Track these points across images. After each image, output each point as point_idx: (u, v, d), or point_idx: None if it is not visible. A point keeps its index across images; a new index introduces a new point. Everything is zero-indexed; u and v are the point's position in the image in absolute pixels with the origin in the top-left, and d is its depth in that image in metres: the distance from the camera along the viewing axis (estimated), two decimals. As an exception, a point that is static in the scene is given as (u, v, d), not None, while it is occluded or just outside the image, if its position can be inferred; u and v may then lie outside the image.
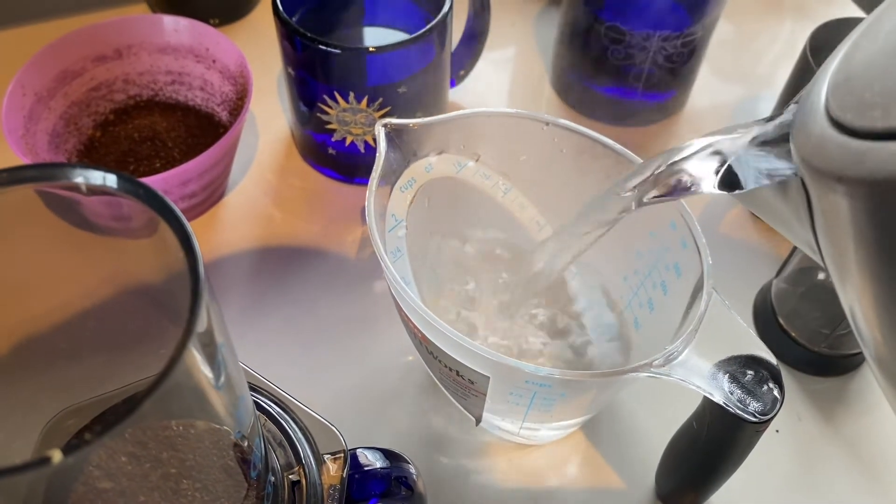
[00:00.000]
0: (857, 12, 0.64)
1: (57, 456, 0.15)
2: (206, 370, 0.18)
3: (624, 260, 0.39)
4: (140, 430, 0.20)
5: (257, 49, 0.55)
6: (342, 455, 0.29)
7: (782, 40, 0.62)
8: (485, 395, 0.34)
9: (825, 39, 0.45)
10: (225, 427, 0.21)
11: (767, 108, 0.54)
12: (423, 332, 0.33)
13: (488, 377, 0.32)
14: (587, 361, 0.39)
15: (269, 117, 0.54)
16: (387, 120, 0.37)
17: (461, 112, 0.38)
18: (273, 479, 0.26)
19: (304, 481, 0.28)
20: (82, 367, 0.28)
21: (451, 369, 0.34)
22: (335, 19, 0.51)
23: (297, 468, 0.28)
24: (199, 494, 0.23)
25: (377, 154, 0.36)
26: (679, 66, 0.52)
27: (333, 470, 0.29)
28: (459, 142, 0.39)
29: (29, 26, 0.58)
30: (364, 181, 0.51)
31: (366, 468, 0.30)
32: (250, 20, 0.59)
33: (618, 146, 0.37)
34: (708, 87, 0.57)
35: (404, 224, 0.37)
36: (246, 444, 0.23)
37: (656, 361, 0.31)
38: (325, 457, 0.29)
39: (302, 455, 0.28)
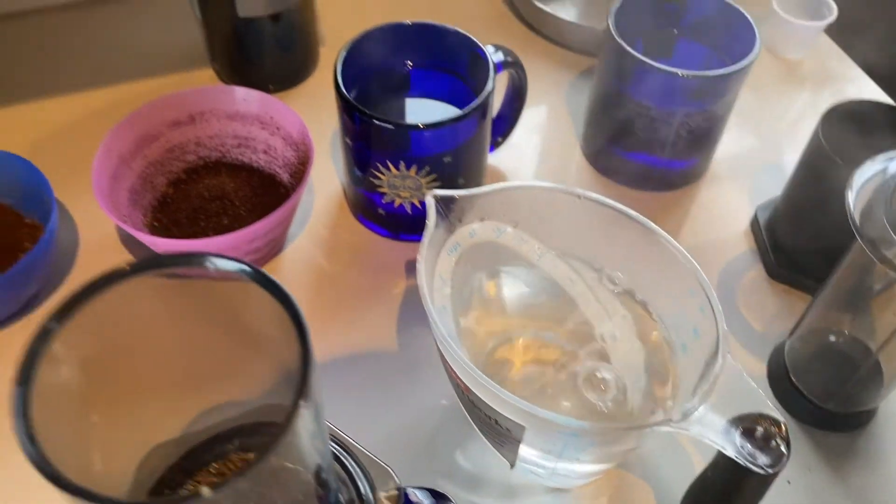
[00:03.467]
0: (868, 87, 0.67)
1: (207, 492, 0.19)
2: (310, 424, 0.22)
3: (649, 320, 0.42)
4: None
5: (311, 113, 0.60)
6: (396, 493, 0.32)
7: (799, 109, 0.65)
8: (520, 442, 0.38)
9: (836, 120, 0.49)
10: (310, 467, 0.25)
11: (782, 175, 0.57)
12: (466, 383, 0.37)
13: (524, 427, 0.36)
14: (615, 412, 0.42)
15: (324, 176, 0.58)
16: (436, 192, 0.41)
17: (502, 185, 0.42)
18: (339, 512, 0.29)
19: (363, 516, 0.31)
20: (172, 405, 0.32)
21: (489, 417, 0.38)
22: (386, 91, 0.55)
23: (357, 504, 0.31)
24: None
25: (427, 223, 0.40)
26: (701, 137, 0.55)
27: (387, 509, 0.32)
28: (500, 210, 0.43)
29: (105, 89, 0.63)
30: (409, 238, 0.55)
31: (415, 506, 0.33)
32: (304, 87, 0.64)
33: (643, 219, 0.40)
34: (728, 152, 0.61)
35: (449, 283, 0.41)
36: (324, 481, 0.26)
37: (675, 417, 0.35)
38: (381, 494, 0.32)
39: (362, 492, 0.31)
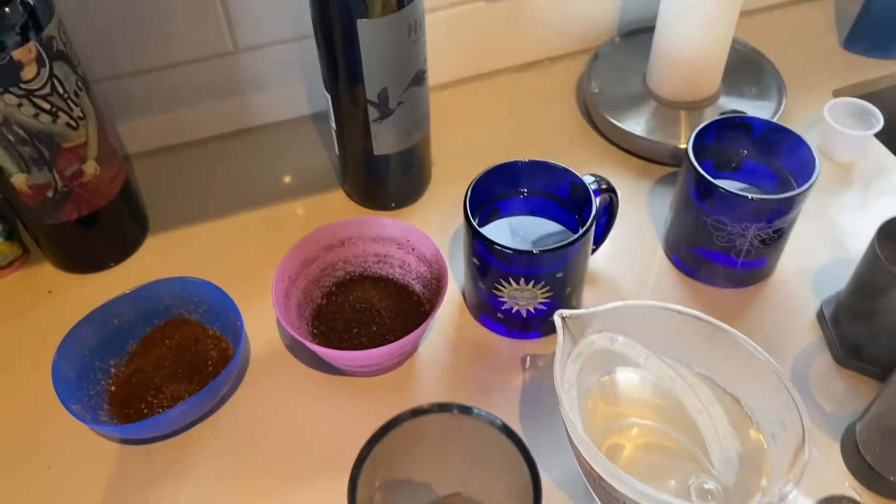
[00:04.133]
0: (917, 181, 0.76)
1: None
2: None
3: (742, 414, 0.51)
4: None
5: (426, 225, 0.70)
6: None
7: (854, 209, 0.74)
8: (644, 520, 0.46)
9: (891, 231, 0.57)
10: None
11: (843, 271, 0.65)
12: (600, 472, 0.46)
13: (647, 506, 0.45)
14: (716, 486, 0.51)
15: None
16: (563, 311, 0.51)
17: (615, 305, 0.51)
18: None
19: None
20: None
21: (617, 500, 0.46)
22: (498, 213, 0.65)
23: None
24: None
25: (558, 338, 0.50)
26: (770, 244, 0.64)
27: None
28: (613, 323, 0.52)
29: (259, 210, 0.75)
30: (522, 336, 0.64)
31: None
32: (421, 203, 0.75)
33: (733, 331, 0.50)
34: (794, 250, 0.69)
35: (576, 387, 0.51)
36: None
37: (774, 500, 0.43)
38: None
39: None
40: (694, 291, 0.67)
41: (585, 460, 0.47)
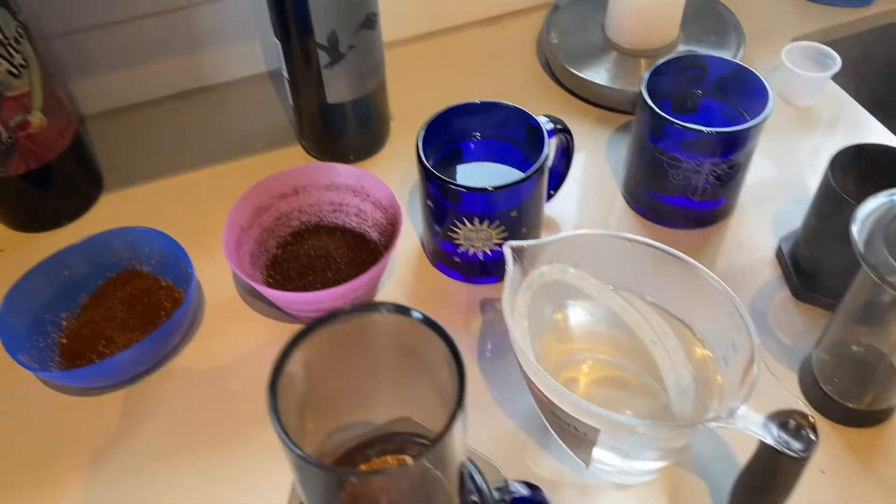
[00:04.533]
0: (875, 128, 0.75)
1: (410, 461, 0.27)
2: (461, 427, 0.31)
3: (694, 340, 0.51)
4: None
5: (387, 177, 0.69)
6: (504, 485, 0.41)
7: (812, 150, 0.74)
8: (594, 443, 0.46)
9: (843, 162, 0.57)
10: (458, 460, 0.34)
11: (800, 209, 0.65)
12: (550, 397, 0.45)
13: (599, 429, 0.44)
14: (670, 414, 0.50)
15: (403, 230, 0.67)
16: (512, 242, 0.50)
17: (564, 234, 0.51)
18: (467, 499, 0.38)
19: (480, 502, 0.40)
20: (349, 419, 0.40)
21: (568, 424, 0.46)
22: (455, 157, 0.65)
23: (476, 493, 0.40)
24: None
25: (507, 268, 0.49)
26: (728, 181, 0.64)
27: (498, 495, 0.41)
28: (564, 254, 0.51)
29: (212, 168, 0.74)
30: (480, 281, 0.64)
31: (516, 495, 0.42)
32: (380, 156, 0.74)
33: (684, 256, 0.49)
34: (752, 191, 0.69)
35: (526, 317, 0.50)
36: (462, 473, 0.35)
37: (723, 415, 0.43)
38: (492, 486, 0.41)
39: (479, 484, 0.40)
40: (653, 234, 0.67)
41: (537, 388, 0.46)
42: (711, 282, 0.48)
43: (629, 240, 0.50)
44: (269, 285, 0.61)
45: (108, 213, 0.70)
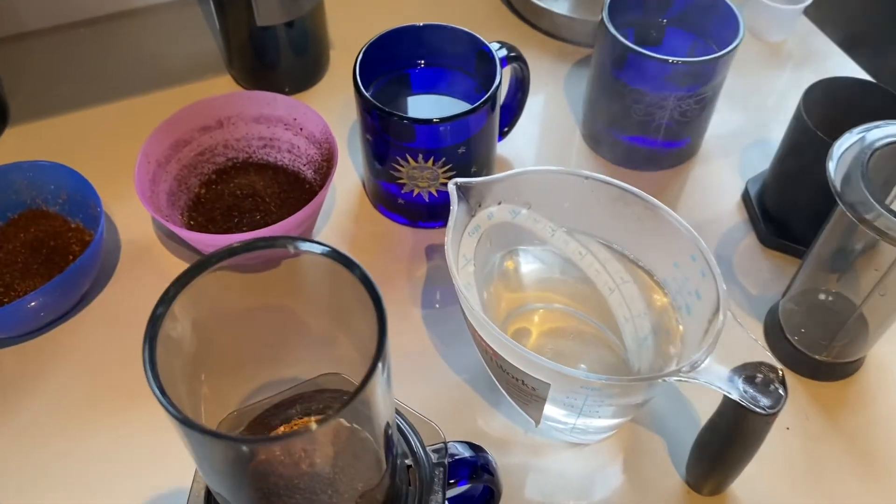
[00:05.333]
0: (846, 64, 0.72)
1: (314, 426, 0.23)
2: (383, 381, 0.26)
3: (654, 287, 0.47)
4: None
5: (325, 113, 0.63)
6: (442, 446, 0.36)
7: (783, 88, 0.70)
8: (545, 399, 0.42)
9: (816, 97, 0.53)
10: (382, 420, 0.29)
11: (769, 150, 0.61)
12: (495, 348, 0.41)
13: (549, 384, 0.40)
14: (627, 369, 0.46)
15: (343, 172, 0.62)
16: (457, 180, 0.45)
17: (515, 171, 0.46)
18: (398, 462, 0.33)
19: (415, 466, 0.35)
20: (254, 374, 0.35)
21: (516, 379, 0.42)
22: (398, 88, 0.59)
23: (409, 456, 0.35)
24: (353, 472, 0.30)
25: (451, 207, 0.44)
26: (693, 119, 0.59)
27: (435, 458, 0.36)
28: (514, 194, 0.47)
29: (131, 99, 0.67)
30: (427, 225, 0.59)
31: (457, 457, 0.37)
32: (318, 89, 0.68)
33: (645, 195, 0.44)
34: (718, 131, 0.65)
35: (472, 262, 0.45)
36: (389, 436, 0.30)
37: (684, 368, 0.39)
38: (428, 448, 0.36)
39: (413, 445, 0.35)
40: (612, 175, 0.62)
41: (482, 340, 0.42)
42: (674, 223, 0.44)
43: (586, 177, 0.46)
44: (191, 227, 0.55)
45: (14, 148, 0.63)
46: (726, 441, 0.41)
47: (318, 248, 0.27)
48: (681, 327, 0.45)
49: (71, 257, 0.54)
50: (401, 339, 0.52)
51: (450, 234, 0.43)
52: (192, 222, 0.55)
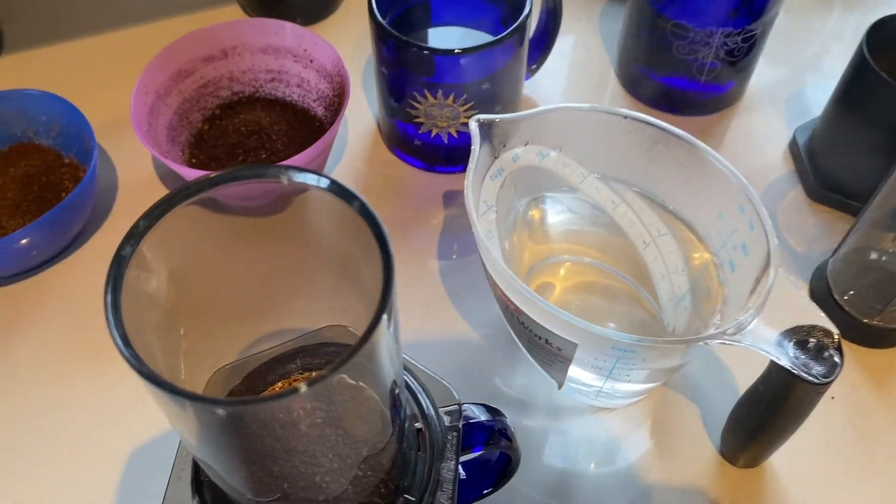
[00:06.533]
0: (910, 3, 0.66)
1: (303, 388, 0.19)
2: (389, 337, 0.23)
3: (694, 240, 0.42)
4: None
5: (339, 46, 0.59)
6: (456, 408, 0.33)
7: (831, 32, 0.64)
8: (570, 360, 0.38)
9: (882, 34, 0.48)
10: (387, 379, 0.26)
11: (820, 97, 0.56)
12: (517, 304, 0.37)
13: (576, 344, 0.36)
14: (661, 328, 0.43)
15: (357, 109, 0.58)
16: (480, 116, 0.41)
17: (546, 108, 0.42)
18: (407, 426, 0.30)
19: (425, 430, 0.32)
20: (243, 324, 0.32)
21: (539, 337, 0.38)
22: (418, 19, 0.54)
23: (419, 419, 0.32)
24: (358, 434, 0.27)
25: (472, 147, 0.40)
26: (739, 60, 0.54)
27: (448, 421, 0.33)
28: (543, 134, 0.42)
29: (135, 27, 0.63)
30: (444, 170, 0.55)
31: (472, 420, 0.34)
32: (332, 20, 0.64)
33: (690, 137, 0.40)
34: (764, 77, 0.60)
35: (494, 209, 0.41)
36: (397, 396, 0.27)
37: (729, 330, 0.35)
38: (441, 409, 0.33)
39: (424, 407, 0.32)
40: (648, 121, 0.58)
41: (503, 293, 0.38)
42: (722, 170, 0.39)
43: (624, 116, 0.41)
44: (192, 165, 0.51)
45: (6, 78, 0.60)
46: (770, 411, 0.37)
47: (313, 180, 0.23)
48: (723, 286, 0.41)
49: (64, 194, 0.51)
50: (413, 291, 0.49)
51: (470, 177, 0.39)
52: (193, 160, 0.52)
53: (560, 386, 0.42)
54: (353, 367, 0.21)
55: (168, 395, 0.19)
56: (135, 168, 0.54)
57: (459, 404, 0.33)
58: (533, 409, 0.44)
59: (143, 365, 0.19)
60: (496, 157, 0.41)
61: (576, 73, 0.61)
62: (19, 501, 0.41)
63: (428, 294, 0.49)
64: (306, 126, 0.54)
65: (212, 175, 0.23)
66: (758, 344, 0.35)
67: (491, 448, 0.34)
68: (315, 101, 0.54)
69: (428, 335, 0.47)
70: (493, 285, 0.39)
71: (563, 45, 0.62)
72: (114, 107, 0.54)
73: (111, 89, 0.56)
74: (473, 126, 0.40)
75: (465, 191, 0.38)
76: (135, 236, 0.21)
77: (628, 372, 0.38)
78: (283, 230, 0.29)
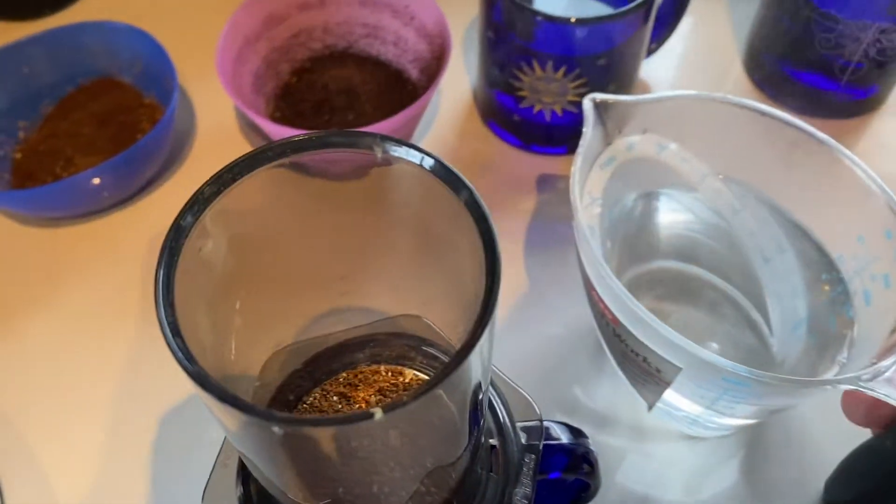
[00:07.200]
0: None
1: (378, 414, 0.16)
2: (486, 345, 0.19)
3: (822, 262, 0.37)
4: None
5: (443, 4, 0.55)
6: (538, 424, 0.29)
7: None
8: (669, 384, 0.34)
9: None
10: (471, 392, 0.22)
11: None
12: (616, 313, 0.33)
13: (680, 368, 0.32)
14: (769, 356, 0.38)
15: (453, 75, 0.54)
16: (595, 95, 0.36)
17: (670, 93, 0.37)
18: (483, 440, 0.27)
19: (500, 447, 0.28)
20: (310, 303, 0.29)
21: (636, 354, 0.34)
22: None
23: (495, 433, 0.28)
24: (425, 443, 0.24)
25: (584, 129, 0.36)
26: (890, 61, 0.48)
27: (525, 439, 0.29)
28: (663, 122, 0.38)
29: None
30: (541, 150, 0.50)
31: (553, 441, 0.30)
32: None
33: (838, 145, 0.35)
34: (913, 83, 0.53)
35: (600, 201, 0.37)
36: (479, 401, 0.23)
37: (864, 375, 0.30)
38: (518, 425, 0.29)
39: (502, 421, 0.28)
40: (774, 119, 0.52)
41: (600, 299, 0.34)
42: (872, 187, 0.34)
43: (762, 113, 0.36)
44: (275, 119, 0.48)
45: (94, 9, 0.58)
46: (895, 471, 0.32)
47: (417, 157, 0.19)
48: (853, 319, 0.36)
49: (140, 136, 0.48)
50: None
51: (578, 163, 0.35)
52: (277, 113, 0.49)
53: (650, 408, 0.37)
54: (441, 389, 0.17)
55: (220, 404, 0.16)
56: (216, 115, 0.52)
57: (541, 421, 0.29)
58: (615, 428, 0.40)
59: (194, 364, 0.16)
60: (609, 144, 0.37)
61: (697, 57, 0.56)
62: (44, 452, 0.39)
63: (509, 283, 0.45)
64: (398, 89, 0.50)
65: (296, 138, 0.19)
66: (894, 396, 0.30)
67: (570, 474, 0.31)
68: (411, 62, 0.50)
69: (504, 332, 0.43)
70: (590, 288, 0.35)
71: (686, 24, 0.56)
72: (201, 48, 0.52)
73: (200, 29, 0.54)
74: (587, 105, 0.36)
75: (571, 178, 0.34)
76: (199, 202, 0.18)
77: (734, 405, 0.34)
78: (368, 201, 0.25)
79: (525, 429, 0.30)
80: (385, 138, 0.20)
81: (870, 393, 0.30)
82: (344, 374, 0.29)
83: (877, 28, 0.45)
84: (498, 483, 0.27)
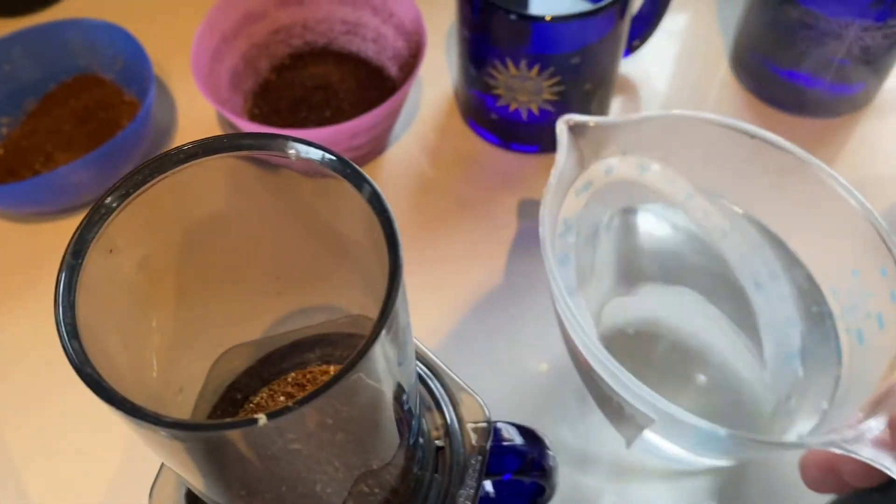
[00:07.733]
0: None
1: (262, 420, 0.13)
2: (390, 351, 0.15)
3: (813, 294, 0.30)
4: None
5: (424, 4, 0.46)
6: (485, 426, 0.23)
7: None
8: (643, 428, 0.27)
9: None
10: (388, 391, 0.17)
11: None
12: (588, 359, 0.26)
13: (654, 420, 0.25)
14: (762, 389, 0.31)
15: (434, 74, 0.46)
16: (570, 116, 0.29)
17: (651, 113, 0.29)
18: (422, 441, 0.21)
19: (447, 448, 0.22)
20: (251, 306, 0.23)
21: (612, 399, 0.27)
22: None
23: (442, 433, 0.22)
24: (354, 446, 0.18)
25: (557, 153, 0.28)
26: (875, 59, 0.40)
27: (475, 440, 0.23)
28: (646, 142, 0.30)
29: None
30: (521, 148, 0.43)
31: (504, 443, 0.24)
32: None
33: (839, 177, 0.27)
34: (897, 80, 0.45)
35: (574, 230, 0.30)
36: (406, 405, 0.18)
37: (848, 435, 0.23)
38: (469, 426, 0.23)
39: (448, 421, 0.22)
40: (763, 119, 0.44)
41: (570, 337, 0.27)
42: (870, 223, 0.27)
43: (751, 135, 0.28)
44: (253, 116, 0.41)
45: (76, 7, 0.49)
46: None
47: (317, 156, 0.16)
48: (841, 360, 0.29)
49: (119, 132, 0.41)
50: (470, 280, 0.38)
51: (549, 195, 0.27)
52: (255, 110, 0.41)
53: (628, 445, 0.31)
54: (332, 396, 0.14)
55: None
56: (196, 111, 0.44)
57: (488, 422, 0.23)
58: (593, 464, 0.33)
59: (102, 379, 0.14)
60: (585, 169, 0.30)
61: (683, 55, 0.47)
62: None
63: (485, 291, 0.38)
64: (377, 86, 0.42)
65: (207, 140, 0.16)
66: (879, 459, 0.23)
67: (522, 476, 0.25)
68: (390, 59, 0.42)
69: (478, 337, 0.36)
70: (561, 327, 0.28)
71: (673, 21, 0.48)
72: (182, 45, 0.43)
73: (181, 26, 0.45)
74: (561, 129, 0.28)
75: (541, 210, 0.27)
76: (99, 215, 0.15)
77: (710, 454, 0.27)
78: (292, 206, 0.20)
79: (475, 430, 0.23)
80: (295, 140, 0.16)
81: (855, 457, 0.23)
82: (293, 374, 0.24)
83: (858, 26, 0.37)
84: (441, 484, 0.22)
